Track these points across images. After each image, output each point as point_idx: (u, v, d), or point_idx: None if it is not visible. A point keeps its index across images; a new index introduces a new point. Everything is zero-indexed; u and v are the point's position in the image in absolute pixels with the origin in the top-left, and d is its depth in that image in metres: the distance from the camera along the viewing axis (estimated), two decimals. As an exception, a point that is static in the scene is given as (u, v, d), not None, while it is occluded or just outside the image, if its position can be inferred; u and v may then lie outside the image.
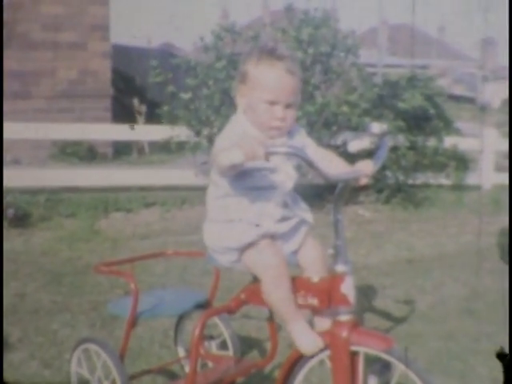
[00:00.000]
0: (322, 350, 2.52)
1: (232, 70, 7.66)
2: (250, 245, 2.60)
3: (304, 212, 2.75)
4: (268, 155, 2.30)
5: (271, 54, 2.63)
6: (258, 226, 2.60)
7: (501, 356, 2.68)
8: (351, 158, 2.74)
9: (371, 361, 2.49)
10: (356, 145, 8.67)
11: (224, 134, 2.64)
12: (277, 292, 2.58)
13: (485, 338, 4.23)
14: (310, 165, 2.36)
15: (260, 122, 2.62)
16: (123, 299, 3.54)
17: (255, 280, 2.75)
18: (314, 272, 2.68)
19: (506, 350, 2.51)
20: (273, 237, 2.64)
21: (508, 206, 3.43)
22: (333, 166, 2.63)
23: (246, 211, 2.62)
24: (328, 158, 2.76)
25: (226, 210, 2.65)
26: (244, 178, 2.60)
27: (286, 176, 2.66)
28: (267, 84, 2.60)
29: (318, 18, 8.03)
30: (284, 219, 2.68)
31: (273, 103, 2.60)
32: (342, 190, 2.48)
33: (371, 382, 2.47)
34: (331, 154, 2.82)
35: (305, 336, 2.55)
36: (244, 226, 2.61)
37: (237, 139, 2.40)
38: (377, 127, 2.77)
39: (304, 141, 2.74)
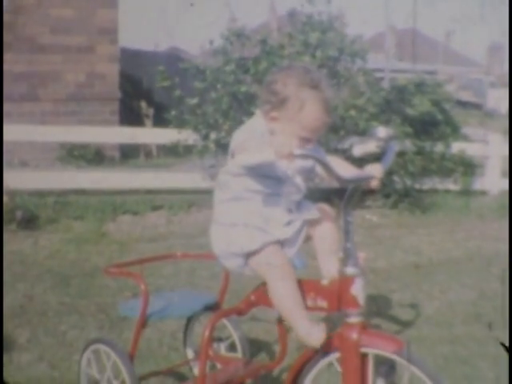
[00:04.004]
0: (331, 352, 2.53)
1: (240, 73, 7.68)
2: (256, 251, 2.61)
3: (308, 211, 2.77)
4: (290, 157, 2.31)
5: (315, 88, 2.59)
6: (263, 231, 2.61)
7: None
8: (358, 162, 2.75)
9: (377, 363, 2.50)
10: (361, 148, 8.68)
11: (244, 135, 2.62)
12: (282, 292, 2.58)
13: (492, 342, 4.23)
14: (326, 167, 2.38)
15: (285, 151, 2.45)
16: (133, 301, 3.55)
17: (265, 282, 2.76)
18: (327, 244, 2.71)
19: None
20: (278, 242, 2.65)
21: (508, 211, 3.43)
22: (341, 170, 2.64)
23: (252, 216, 2.63)
24: (336, 161, 2.78)
25: (232, 214, 2.67)
26: (254, 182, 2.63)
27: (294, 187, 2.68)
28: (308, 124, 2.59)
29: (326, 22, 8.04)
30: (289, 223, 2.69)
31: (303, 140, 2.60)
32: (353, 192, 2.49)
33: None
34: (338, 159, 2.85)
35: (311, 331, 2.52)
36: (249, 231, 2.61)
37: (259, 141, 2.44)
38: (383, 131, 2.77)
39: (314, 147, 2.76)
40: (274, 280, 2.60)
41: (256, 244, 2.60)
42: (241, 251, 2.63)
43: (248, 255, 2.63)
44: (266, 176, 2.62)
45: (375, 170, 2.63)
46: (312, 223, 2.76)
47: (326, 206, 2.83)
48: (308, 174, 2.75)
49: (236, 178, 2.65)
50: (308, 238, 2.77)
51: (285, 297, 2.58)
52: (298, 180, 2.71)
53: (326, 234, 2.76)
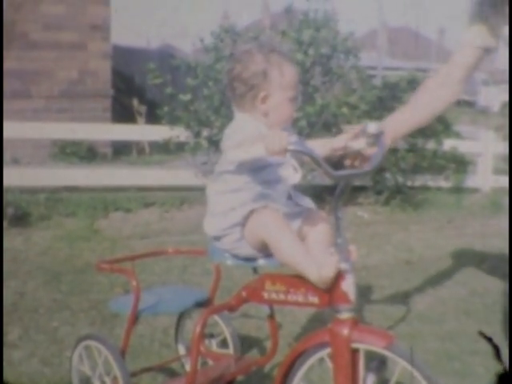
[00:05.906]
0: (322, 347, 2.54)
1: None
2: (255, 211, 2.62)
3: (305, 202, 2.82)
4: (285, 152, 2.33)
5: (276, 50, 2.72)
6: (259, 201, 2.65)
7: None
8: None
9: (368, 358, 2.51)
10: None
11: (236, 133, 2.65)
12: (283, 243, 2.57)
13: (482, 338, 4.24)
14: (317, 162, 2.39)
15: (284, 120, 2.71)
16: (124, 297, 3.56)
17: (255, 275, 2.78)
18: (321, 246, 2.70)
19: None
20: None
21: (508, 209, 3.44)
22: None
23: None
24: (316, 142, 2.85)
25: (230, 203, 2.69)
26: (254, 173, 2.66)
27: (293, 170, 2.69)
28: (289, 81, 2.69)
29: (319, 20, 8.05)
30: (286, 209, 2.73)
31: (292, 99, 2.71)
32: (344, 188, 2.49)
33: (369, 379, 2.48)
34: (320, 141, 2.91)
35: (322, 264, 2.48)
36: (248, 205, 2.64)
37: (254, 137, 2.47)
38: (373, 127, 2.77)
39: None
40: (273, 234, 2.58)
41: (257, 204, 2.62)
42: (239, 217, 2.63)
43: (244, 221, 2.63)
44: (262, 166, 2.66)
45: (338, 141, 2.81)
46: (307, 224, 2.77)
47: (321, 212, 2.85)
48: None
49: (233, 172, 2.67)
50: (302, 239, 2.77)
51: (287, 246, 2.57)
52: (295, 162, 2.73)
53: (320, 236, 2.76)
